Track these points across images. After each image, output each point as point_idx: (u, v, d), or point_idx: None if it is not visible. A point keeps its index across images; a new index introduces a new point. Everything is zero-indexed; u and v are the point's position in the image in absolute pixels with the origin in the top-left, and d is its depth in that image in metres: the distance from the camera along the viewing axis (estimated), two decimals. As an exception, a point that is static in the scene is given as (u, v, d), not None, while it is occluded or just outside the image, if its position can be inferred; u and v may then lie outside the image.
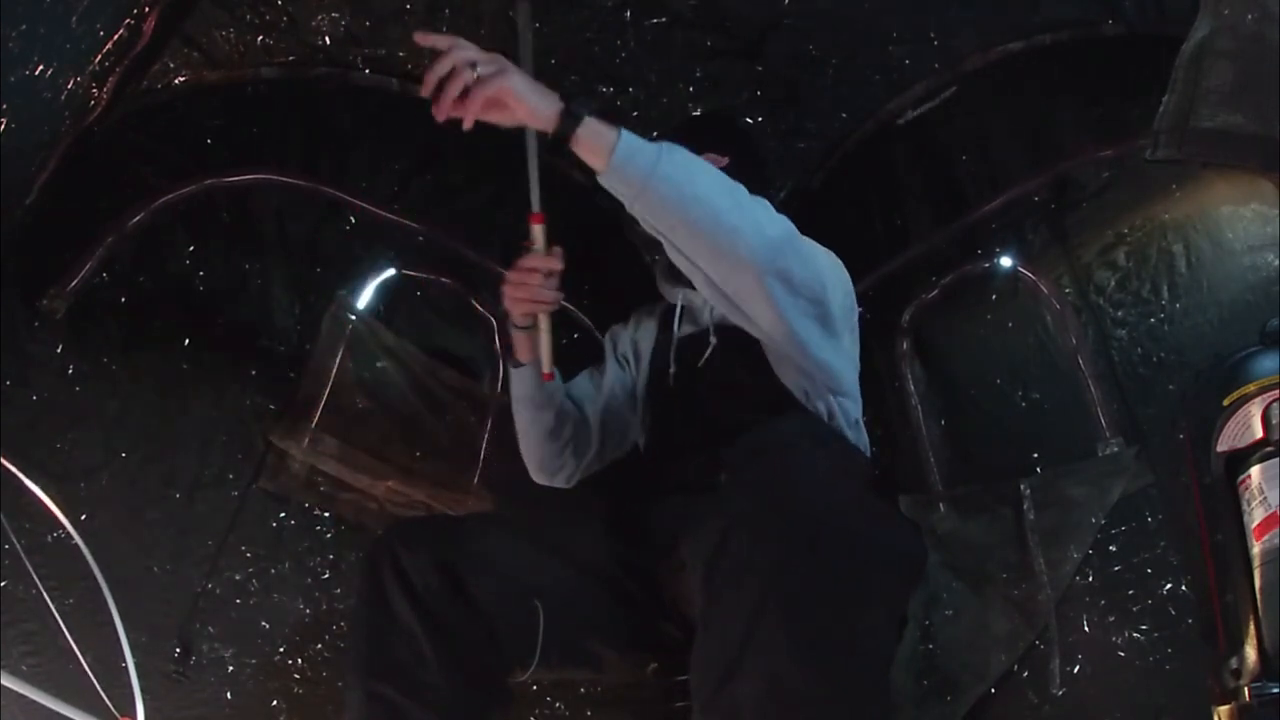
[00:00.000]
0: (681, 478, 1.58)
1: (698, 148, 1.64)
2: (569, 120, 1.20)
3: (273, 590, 1.67)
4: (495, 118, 1.22)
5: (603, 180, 1.23)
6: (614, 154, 1.19)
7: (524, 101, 1.20)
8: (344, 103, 1.91)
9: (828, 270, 1.47)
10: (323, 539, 1.75)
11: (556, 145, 1.21)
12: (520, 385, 1.63)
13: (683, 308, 1.72)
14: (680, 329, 1.70)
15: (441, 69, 1.19)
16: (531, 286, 1.45)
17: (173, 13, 1.31)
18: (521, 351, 1.59)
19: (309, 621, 1.69)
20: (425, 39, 1.24)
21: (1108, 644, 1.45)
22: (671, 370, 1.65)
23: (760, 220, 1.28)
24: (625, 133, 1.21)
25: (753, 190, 1.70)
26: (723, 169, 1.61)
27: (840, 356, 1.51)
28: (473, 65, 1.18)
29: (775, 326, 1.35)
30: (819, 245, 1.52)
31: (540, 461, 1.70)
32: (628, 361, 1.83)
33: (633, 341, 1.84)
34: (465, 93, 1.19)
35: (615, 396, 1.77)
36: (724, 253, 1.25)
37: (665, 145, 1.23)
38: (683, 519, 1.35)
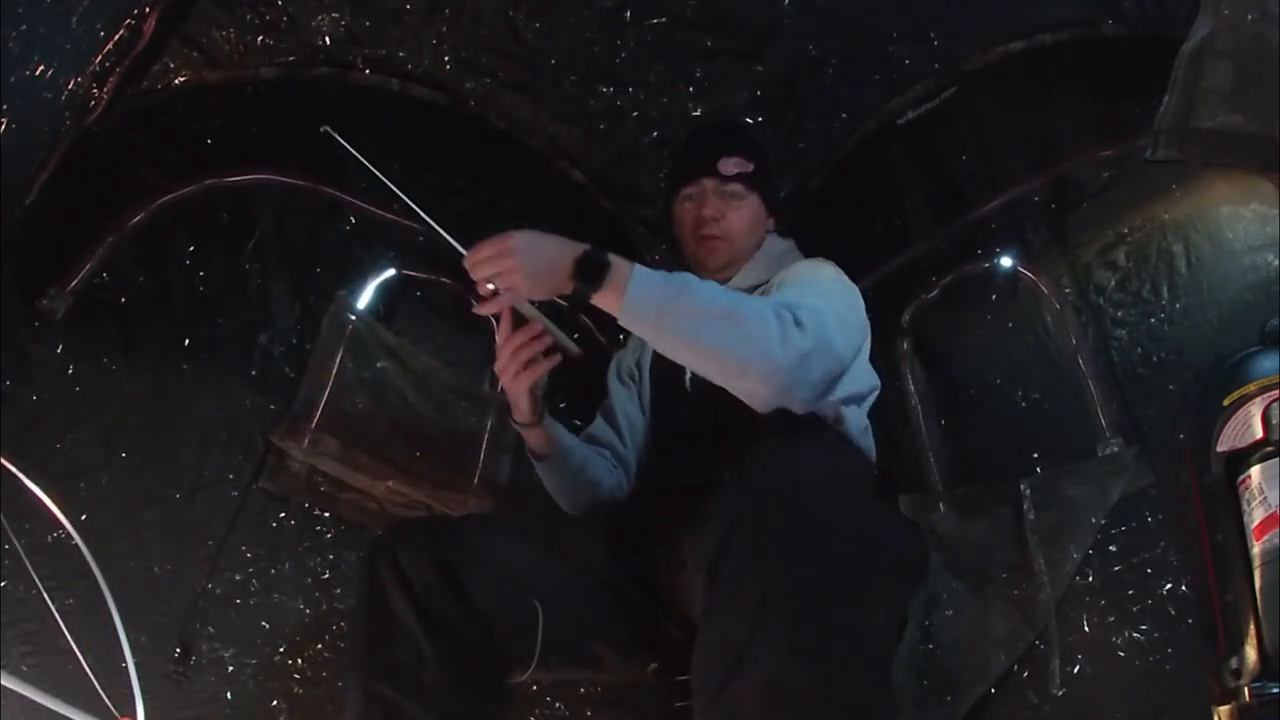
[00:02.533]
0: (684, 477, 1.58)
1: (728, 151, 1.69)
2: (583, 291, 1.26)
3: (273, 590, 1.66)
4: None
5: (621, 322, 1.29)
6: (622, 311, 1.26)
7: (536, 288, 1.28)
8: (344, 103, 1.91)
9: (842, 339, 1.42)
10: (323, 539, 1.75)
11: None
12: (549, 477, 1.61)
13: None
14: None
15: (475, 274, 1.29)
16: (529, 365, 1.38)
17: (173, 13, 1.31)
18: (540, 446, 1.56)
19: (309, 621, 1.69)
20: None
21: (1108, 644, 1.45)
22: (688, 375, 1.65)
23: (770, 349, 1.26)
24: (630, 290, 1.24)
25: (771, 200, 1.76)
26: (750, 174, 1.69)
27: (849, 379, 1.52)
28: (487, 279, 1.27)
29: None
30: (832, 295, 1.50)
31: (582, 514, 1.69)
32: (633, 378, 1.82)
33: (634, 355, 1.83)
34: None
35: (634, 423, 1.77)
36: (736, 383, 1.29)
37: (670, 292, 1.26)
38: (685, 518, 1.35)
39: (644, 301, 1.25)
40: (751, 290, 1.67)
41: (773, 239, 1.77)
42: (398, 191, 1.42)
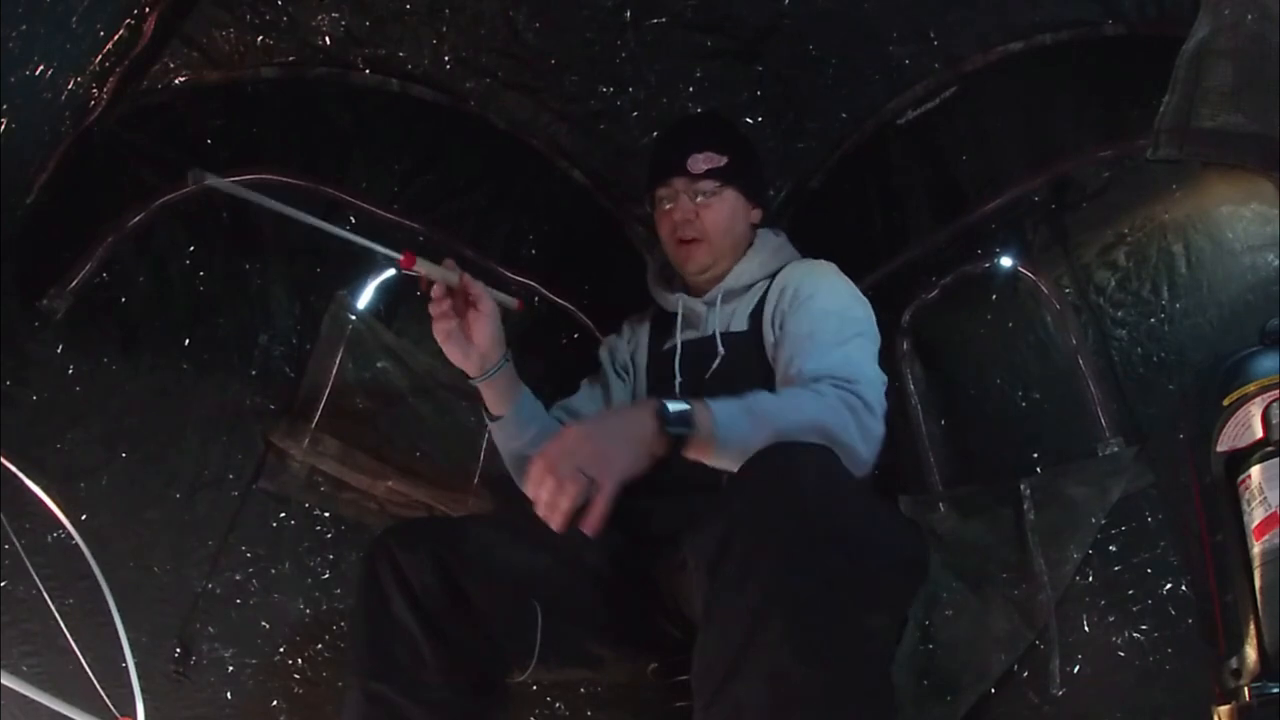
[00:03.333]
0: (683, 478, 1.57)
1: (697, 147, 1.64)
2: (675, 450, 1.19)
3: (273, 590, 1.67)
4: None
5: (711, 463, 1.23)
6: (715, 455, 1.21)
7: (639, 463, 1.15)
8: (344, 103, 1.91)
9: (879, 373, 1.46)
10: (323, 539, 1.75)
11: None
12: (501, 440, 1.58)
13: (683, 315, 1.70)
14: (682, 334, 1.68)
15: (549, 486, 1.10)
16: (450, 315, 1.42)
17: (173, 13, 1.31)
18: (494, 404, 1.53)
19: (309, 621, 1.69)
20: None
21: (1108, 644, 1.45)
22: (678, 380, 1.63)
23: (855, 449, 1.28)
24: (719, 436, 1.19)
25: (752, 191, 1.70)
26: (721, 168, 1.63)
27: None
28: (576, 467, 1.10)
29: None
30: (860, 325, 1.51)
31: None
32: (626, 373, 1.80)
33: (629, 348, 1.81)
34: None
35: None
36: None
37: (756, 425, 1.21)
38: (685, 519, 1.34)
39: (733, 442, 1.21)
40: (745, 289, 1.66)
41: (765, 235, 1.74)
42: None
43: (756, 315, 1.62)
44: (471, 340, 1.45)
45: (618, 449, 1.13)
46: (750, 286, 1.66)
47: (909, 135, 2.03)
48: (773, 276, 1.66)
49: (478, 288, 1.43)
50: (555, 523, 1.10)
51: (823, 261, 1.67)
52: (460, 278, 1.41)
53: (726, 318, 1.66)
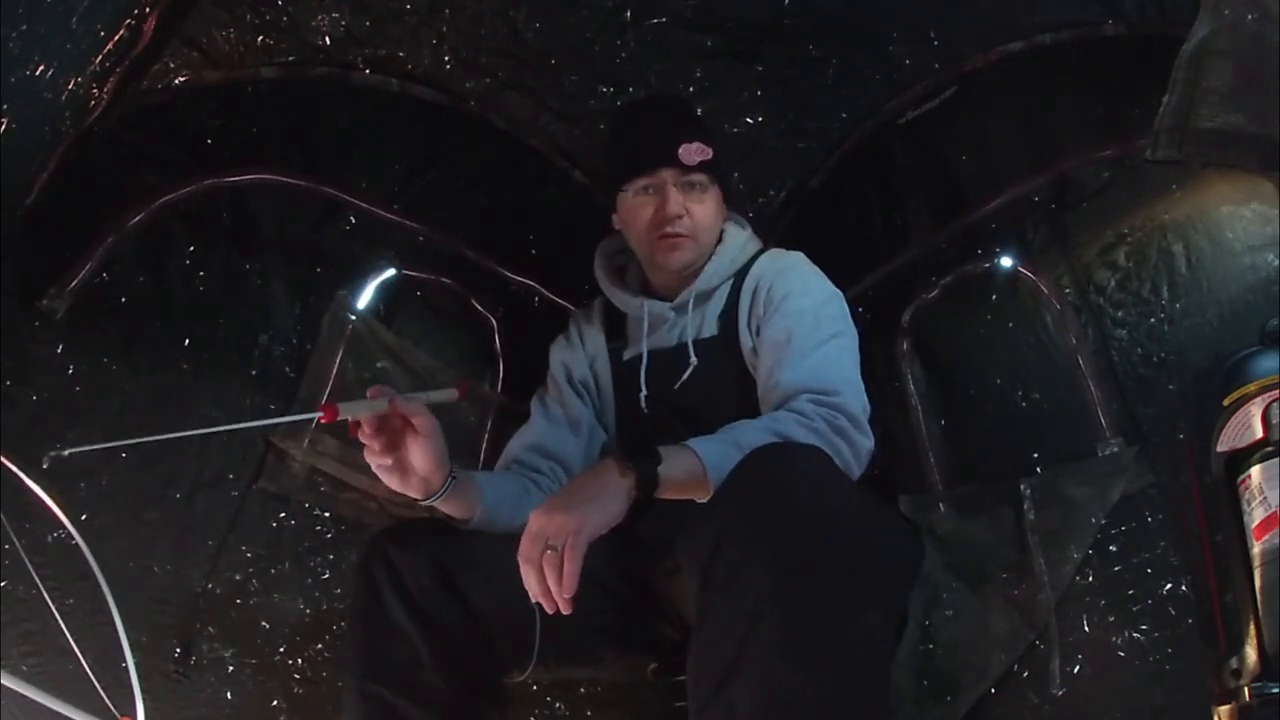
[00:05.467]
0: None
1: (688, 136, 1.55)
2: (647, 496, 1.17)
3: (273, 590, 1.67)
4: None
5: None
6: (712, 487, 1.17)
7: (605, 526, 1.14)
8: (344, 103, 1.91)
9: (859, 373, 1.44)
10: (323, 539, 1.75)
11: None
12: (485, 528, 1.42)
13: (647, 321, 1.61)
14: (648, 343, 1.60)
15: (532, 577, 1.11)
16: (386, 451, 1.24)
17: (173, 13, 1.30)
18: (455, 512, 1.38)
19: (309, 621, 1.69)
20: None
21: (1108, 644, 1.45)
22: (643, 394, 1.57)
23: (849, 470, 1.29)
24: (714, 479, 1.15)
25: (727, 185, 1.64)
26: (711, 162, 1.55)
27: None
28: (545, 546, 1.10)
29: None
30: (837, 323, 1.47)
31: None
32: (586, 390, 1.69)
33: (589, 363, 1.71)
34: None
35: (596, 435, 1.67)
36: None
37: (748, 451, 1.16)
38: (677, 523, 1.34)
39: (723, 471, 1.16)
40: (711, 293, 1.59)
41: (732, 230, 1.63)
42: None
43: (728, 318, 1.57)
44: (411, 469, 1.26)
45: (582, 510, 1.12)
46: (714, 291, 1.60)
47: (909, 135, 2.03)
48: (739, 273, 1.60)
49: (411, 407, 1.22)
50: (560, 609, 1.11)
51: (792, 253, 1.61)
52: (390, 404, 1.21)
53: (696, 323, 1.59)
